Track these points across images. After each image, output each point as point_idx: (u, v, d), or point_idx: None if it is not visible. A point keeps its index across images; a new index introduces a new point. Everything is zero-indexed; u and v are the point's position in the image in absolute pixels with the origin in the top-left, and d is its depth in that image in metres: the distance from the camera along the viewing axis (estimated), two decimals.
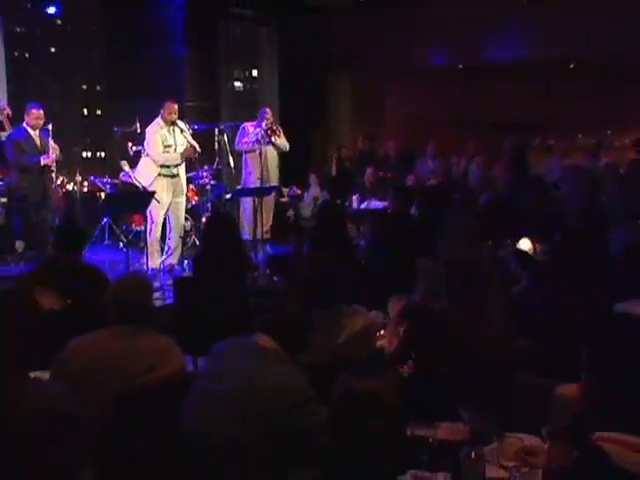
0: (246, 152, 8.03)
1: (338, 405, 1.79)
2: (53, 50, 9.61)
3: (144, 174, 7.02)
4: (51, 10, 8.35)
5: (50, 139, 6.73)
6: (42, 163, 6.66)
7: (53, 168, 6.92)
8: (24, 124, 6.69)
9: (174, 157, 7.02)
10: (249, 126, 8.00)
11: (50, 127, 6.70)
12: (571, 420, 1.93)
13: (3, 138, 6.86)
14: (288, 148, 8.13)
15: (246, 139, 7.95)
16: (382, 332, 3.32)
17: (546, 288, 3.89)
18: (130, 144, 7.40)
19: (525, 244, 4.74)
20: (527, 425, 2.32)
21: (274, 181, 8.14)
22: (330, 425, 1.79)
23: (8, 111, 7.03)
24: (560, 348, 2.91)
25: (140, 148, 7.19)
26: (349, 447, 1.75)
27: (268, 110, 8.12)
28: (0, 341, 1.85)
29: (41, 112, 6.67)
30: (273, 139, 7.91)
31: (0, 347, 1.84)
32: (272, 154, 8.05)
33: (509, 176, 8.11)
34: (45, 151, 6.68)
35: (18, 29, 9.13)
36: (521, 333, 3.27)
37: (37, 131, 6.67)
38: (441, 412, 2.50)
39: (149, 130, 7.03)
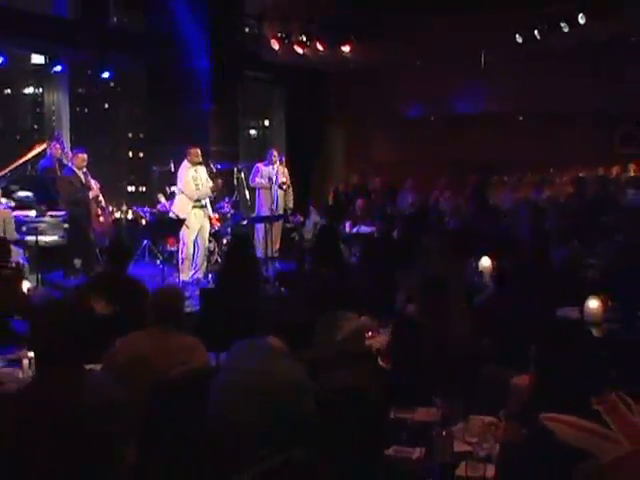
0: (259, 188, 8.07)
1: (329, 397, 1.77)
2: (106, 106, 9.74)
3: (181, 208, 7.04)
4: (105, 75, 8.44)
5: (89, 177, 6.77)
6: (91, 196, 6.72)
7: (101, 198, 6.97)
8: (70, 165, 6.72)
9: (205, 192, 7.07)
10: (261, 166, 8.06)
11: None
12: (523, 404, 1.93)
13: None
14: (289, 182, 8.15)
15: (258, 179, 7.98)
16: (370, 333, 3.31)
17: (504, 297, 3.89)
18: (167, 187, 7.45)
19: (485, 261, 4.74)
20: (488, 409, 2.31)
21: (281, 211, 8.15)
22: (322, 412, 1.77)
23: (83, 156, 7.03)
24: (515, 345, 2.90)
25: (175, 189, 7.22)
26: (340, 430, 1.74)
27: (274, 151, 8.19)
28: (63, 340, 1.85)
29: (85, 156, 6.70)
30: (281, 172, 7.96)
31: (63, 345, 1.84)
32: (280, 190, 8.08)
33: (472, 206, 8.14)
34: (88, 187, 6.72)
35: (80, 90, 9.26)
36: (484, 333, 3.26)
37: (81, 171, 6.68)
38: (418, 399, 2.49)
39: (180, 173, 7.04)
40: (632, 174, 9.13)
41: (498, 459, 1.92)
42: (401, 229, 6.25)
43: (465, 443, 2.15)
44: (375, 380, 2.29)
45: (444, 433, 2.07)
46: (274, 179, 7.88)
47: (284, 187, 8.05)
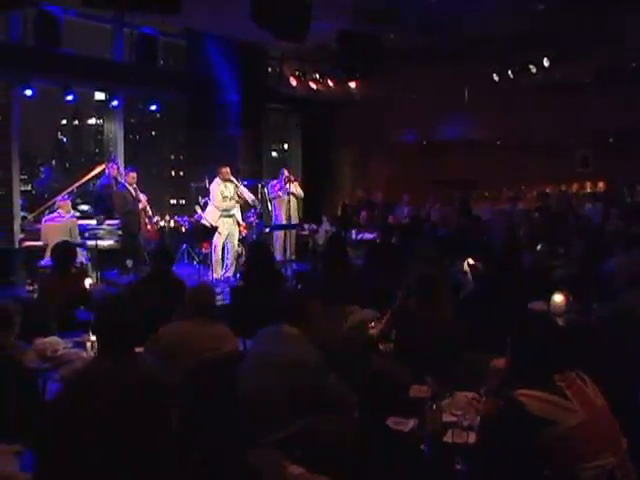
0: (274, 199, 8.05)
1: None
2: (153, 133, 9.85)
3: (211, 216, 7.10)
4: (153, 107, 8.54)
5: (139, 192, 6.89)
6: (140, 207, 6.85)
7: (148, 209, 7.08)
8: (123, 182, 6.87)
9: (231, 204, 7.11)
10: (276, 183, 8.05)
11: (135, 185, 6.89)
12: (500, 382, 1.93)
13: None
14: (303, 195, 8.14)
15: (274, 193, 7.99)
16: (373, 324, 3.32)
17: (484, 292, 3.87)
18: (200, 198, 7.53)
19: (469, 262, 4.72)
20: (471, 386, 2.31)
21: (294, 220, 8.12)
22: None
23: (133, 175, 7.14)
24: (493, 333, 2.89)
25: (207, 200, 7.29)
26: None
27: (284, 170, 8.17)
28: (119, 328, 1.89)
29: (135, 174, 6.90)
30: (292, 188, 7.93)
31: (119, 331, 1.88)
32: (293, 201, 8.05)
33: (458, 217, 8.12)
34: (138, 200, 6.86)
35: (132, 120, 9.40)
36: (467, 322, 3.25)
37: (132, 187, 6.82)
38: (412, 377, 2.50)
39: (212, 187, 7.11)
40: (588, 190, 9.52)
41: (479, 428, 1.93)
42: (399, 236, 6.25)
43: (451, 415, 2.16)
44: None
45: (434, 406, 2.08)
46: (286, 191, 7.89)
47: (295, 196, 8.03)
